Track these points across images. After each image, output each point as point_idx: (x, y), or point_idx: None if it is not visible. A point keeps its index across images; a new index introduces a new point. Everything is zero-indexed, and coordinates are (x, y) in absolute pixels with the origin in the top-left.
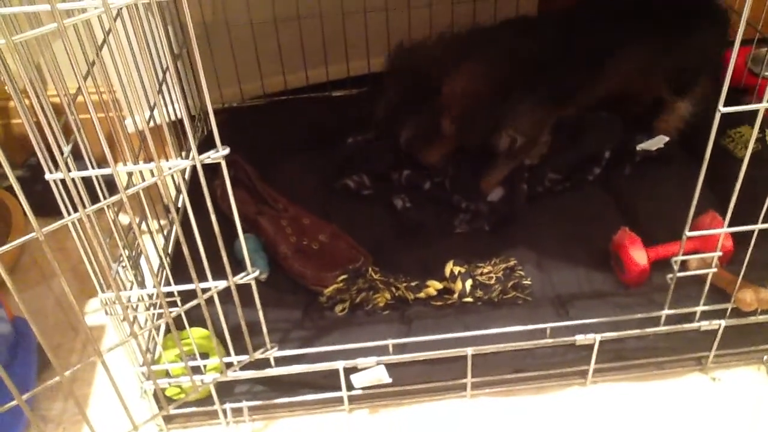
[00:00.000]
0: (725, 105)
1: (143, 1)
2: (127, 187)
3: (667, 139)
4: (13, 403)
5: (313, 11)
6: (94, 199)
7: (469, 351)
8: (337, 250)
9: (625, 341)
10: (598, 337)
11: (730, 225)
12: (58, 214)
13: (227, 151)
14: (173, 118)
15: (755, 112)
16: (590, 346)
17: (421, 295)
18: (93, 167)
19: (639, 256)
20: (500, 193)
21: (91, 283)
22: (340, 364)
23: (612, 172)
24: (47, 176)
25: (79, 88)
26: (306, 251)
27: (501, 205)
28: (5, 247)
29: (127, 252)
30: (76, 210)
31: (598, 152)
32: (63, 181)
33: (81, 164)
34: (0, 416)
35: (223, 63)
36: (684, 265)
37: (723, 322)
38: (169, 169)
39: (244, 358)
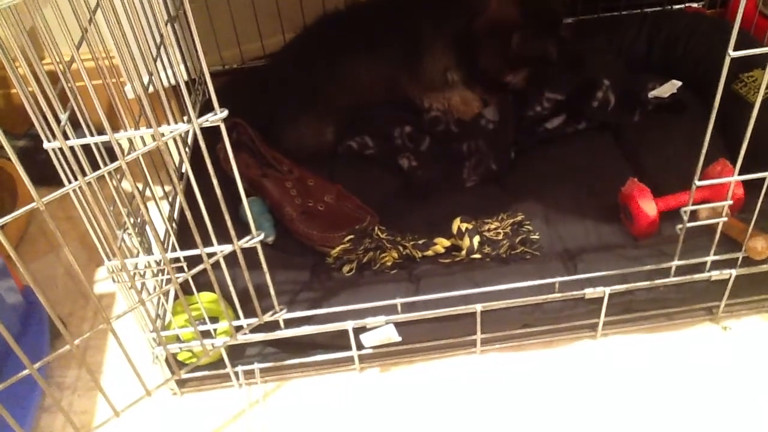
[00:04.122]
0: (735, 49)
1: None
2: (128, 154)
3: (679, 84)
4: (26, 372)
5: None
6: (98, 167)
7: (478, 307)
8: (343, 210)
9: (635, 293)
10: (608, 290)
11: (741, 173)
12: (63, 184)
13: (225, 113)
14: (173, 82)
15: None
16: (599, 300)
17: (429, 252)
18: (93, 135)
19: (648, 207)
20: (494, 113)
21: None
22: (349, 324)
23: (621, 119)
24: (45, 145)
25: (73, 55)
26: (312, 212)
27: (497, 134)
28: (7, 218)
29: (131, 219)
30: (76, 178)
31: (598, 77)
32: (63, 150)
33: (82, 133)
34: (15, 385)
35: (221, 24)
36: (694, 215)
37: (734, 272)
38: (169, 133)
39: (254, 320)
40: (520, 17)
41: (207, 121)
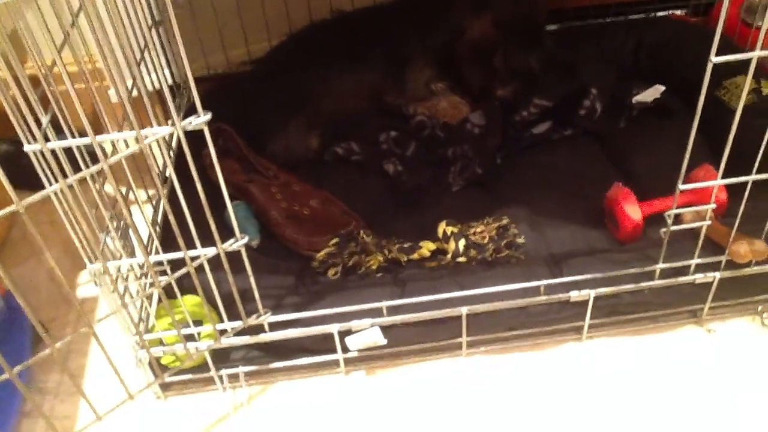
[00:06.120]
0: (717, 55)
1: None
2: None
3: (662, 88)
4: (5, 376)
5: None
6: (80, 171)
7: (464, 310)
8: (329, 215)
9: (620, 296)
10: (593, 292)
11: (724, 177)
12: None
13: (209, 116)
14: (158, 86)
15: (751, 62)
16: (585, 303)
17: (415, 256)
18: (75, 138)
19: (633, 211)
20: (481, 117)
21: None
22: (334, 327)
23: (607, 124)
24: (26, 147)
25: (54, 59)
26: (297, 217)
27: (483, 138)
28: None
29: (114, 222)
30: (57, 181)
31: (586, 86)
32: (43, 153)
33: (64, 137)
34: None
35: (207, 30)
36: (678, 219)
37: (718, 275)
38: (152, 135)
39: (238, 324)
40: (500, 34)
41: (190, 123)
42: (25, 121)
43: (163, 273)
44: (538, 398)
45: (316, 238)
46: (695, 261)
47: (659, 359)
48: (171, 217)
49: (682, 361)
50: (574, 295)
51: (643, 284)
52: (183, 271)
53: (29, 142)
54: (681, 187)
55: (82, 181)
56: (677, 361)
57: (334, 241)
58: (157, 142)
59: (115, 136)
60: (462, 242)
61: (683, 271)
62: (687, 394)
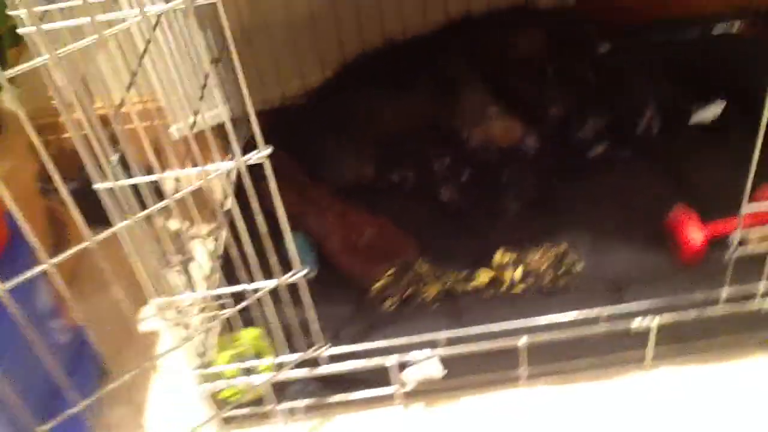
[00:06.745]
0: None
1: (179, 7)
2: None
3: (723, 104)
4: (76, 409)
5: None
6: (144, 208)
7: (523, 340)
8: (385, 243)
9: (684, 322)
10: (655, 321)
11: None
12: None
13: (269, 150)
14: (217, 121)
15: None
16: (647, 330)
17: (473, 284)
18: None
19: (695, 234)
20: (535, 140)
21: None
22: (392, 359)
23: (665, 143)
24: (95, 185)
25: (123, 99)
26: (354, 246)
27: (539, 161)
28: (61, 256)
29: (178, 257)
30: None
31: (642, 102)
32: (113, 190)
33: (129, 175)
34: (62, 424)
35: (263, 63)
36: (743, 241)
37: None
38: (215, 171)
39: (297, 356)
40: (551, 46)
41: (251, 158)
42: (96, 160)
43: (225, 306)
44: (600, 429)
45: (373, 267)
46: (762, 285)
47: (725, 388)
48: (232, 250)
49: (749, 390)
50: (637, 322)
51: (708, 309)
52: (245, 303)
53: (100, 180)
54: (744, 208)
55: (146, 218)
56: (743, 390)
57: (390, 271)
58: (220, 178)
59: (180, 173)
60: (519, 270)
61: (750, 296)
62: (754, 425)
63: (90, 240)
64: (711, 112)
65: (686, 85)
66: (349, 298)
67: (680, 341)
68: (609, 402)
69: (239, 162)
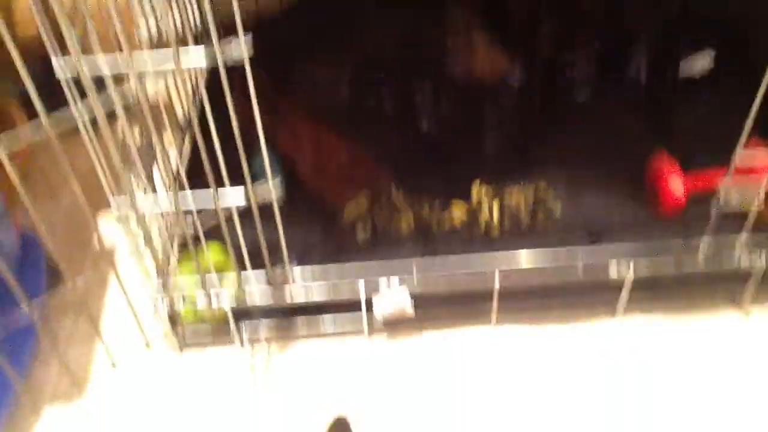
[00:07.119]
0: None
1: None
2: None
3: (713, 53)
4: (22, 311)
5: None
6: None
7: (496, 271)
8: (358, 168)
9: (659, 272)
10: (632, 262)
11: None
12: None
13: (250, 36)
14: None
15: None
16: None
17: (448, 216)
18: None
19: (676, 185)
20: (520, 75)
21: (101, 196)
22: (361, 283)
23: (653, 92)
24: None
25: None
26: (325, 169)
27: (522, 98)
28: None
29: (141, 158)
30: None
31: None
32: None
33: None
34: (9, 331)
35: None
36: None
37: (764, 259)
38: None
39: (261, 272)
40: None
41: (230, 43)
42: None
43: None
44: (568, 372)
45: (344, 191)
46: (741, 240)
47: (696, 340)
48: (203, 154)
49: (718, 345)
50: (613, 263)
51: (685, 260)
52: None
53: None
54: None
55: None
56: (714, 344)
57: (363, 195)
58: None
59: (153, 56)
60: (496, 205)
61: (728, 251)
62: (721, 378)
63: (46, 126)
64: (700, 64)
65: (675, 35)
66: (318, 222)
67: (653, 290)
68: (578, 346)
69: (216, 50)
